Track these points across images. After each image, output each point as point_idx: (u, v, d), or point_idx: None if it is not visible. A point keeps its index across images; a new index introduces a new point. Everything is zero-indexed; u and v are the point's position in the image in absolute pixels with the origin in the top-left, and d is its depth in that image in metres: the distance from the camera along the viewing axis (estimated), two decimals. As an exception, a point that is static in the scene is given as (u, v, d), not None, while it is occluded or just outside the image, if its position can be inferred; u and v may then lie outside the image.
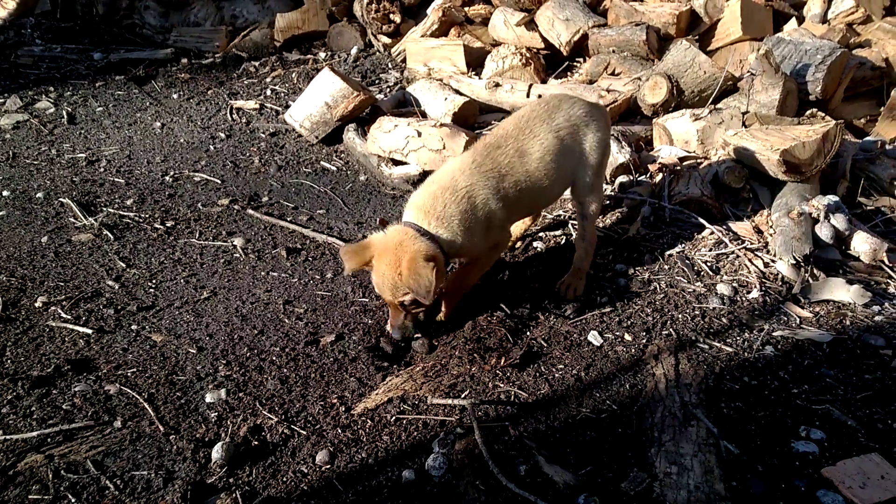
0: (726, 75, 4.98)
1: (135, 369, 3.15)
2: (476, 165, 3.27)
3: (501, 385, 3.00)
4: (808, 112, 4.81)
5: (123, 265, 4.02)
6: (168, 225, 4.50)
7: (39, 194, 4.83)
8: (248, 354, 3.27)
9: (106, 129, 6.05)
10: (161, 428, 2.79)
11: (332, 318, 3.57)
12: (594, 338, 3.30)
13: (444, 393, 2.96)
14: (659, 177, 4.49)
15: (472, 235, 3.20)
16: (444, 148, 4.94)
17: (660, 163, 4.58)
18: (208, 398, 2.96)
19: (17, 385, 3.00)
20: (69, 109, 6.35)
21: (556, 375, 3.07)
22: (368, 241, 3.18)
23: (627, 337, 3.30)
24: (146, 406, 2.90)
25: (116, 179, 5.13)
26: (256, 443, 2.72)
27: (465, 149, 4.89)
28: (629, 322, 3.42)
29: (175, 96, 6.74)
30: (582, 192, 3.62)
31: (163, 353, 3.27)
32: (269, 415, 2.86)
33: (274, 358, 3.24)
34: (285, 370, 3.16)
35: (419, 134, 5.02)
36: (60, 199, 4.74)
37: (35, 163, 5.38)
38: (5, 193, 4.83)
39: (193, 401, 2.96)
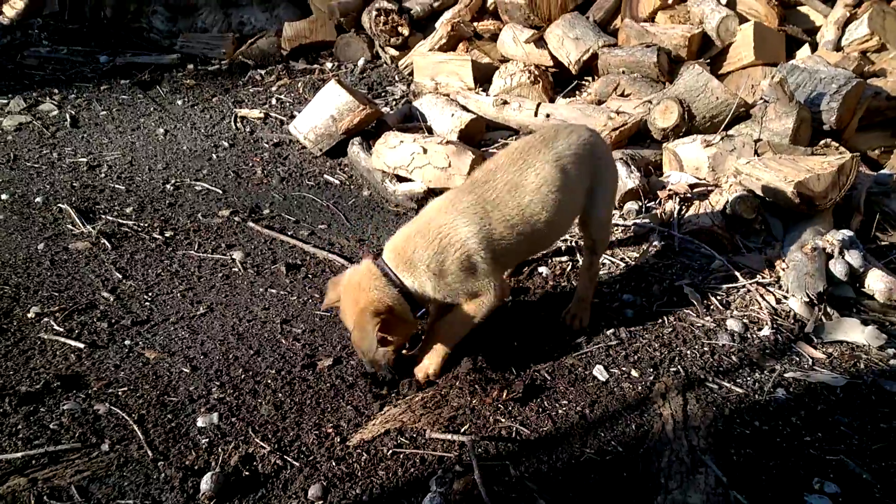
0: (739, 101, 4.90)
1: (126, 388, 3.05)
2: (453, 203, 3.01)
3: (503, 420, 2.90)
4: (822, 142, 4.73)
5: (120, 276, 3.93)
6: (167, 235, 4.41)
7: (38, 199, 4.75)
8: (242, 376, 3.18)
9: (109, 133, 5.98)
10: (150, 453, 2.69)
11: (331, 340, 3.47)
12: (599, 372, 3.20)
13: (443, 426, 2.86)
14: (668, 204, 4.40)
15: (443, 282, 2.96)
16: (449, 166, 4.85)
17: (670, 190, 4.49)
18: (200, 422, 2.86)
19: (5, 401, 2.90)
20: (73, 112, 6.28)
21: (560, 411, 2.97)
22: (343, 274, 3.10)
23: (634, 373, 3.21)
24: (135, 429, 2.80)
25: (117, 186, 5.05)
26: (247, 473, 2.62)
27: (469, 168, 4.82)
28: (636, 357, 3.32)
29: (179, 102, 6.67)
30: (595, 228, 3.43)
31: (155, 372, 3.17)
32: (261, 443, 2.76)
33: (269, 381, 3.15)
34: (280, 395, 3.06)
35: (425, 151, 4.94)
36: (59, 205, 4.66)
37: (36, 166, 5.30)
38: (4, 197, 4.75)
39: (184, 424, 2.86)
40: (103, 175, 5.23)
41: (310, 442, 2.79)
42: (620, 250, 4.23)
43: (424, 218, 3.07)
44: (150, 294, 3.79)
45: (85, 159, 5.45)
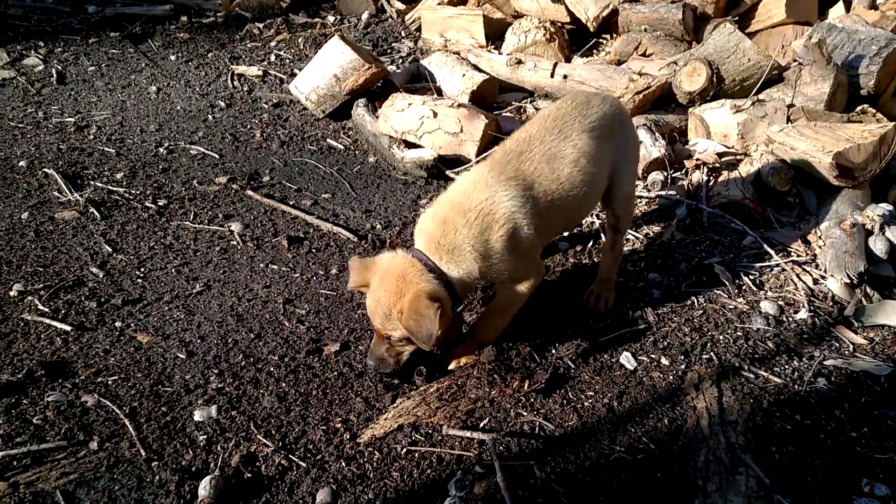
0: (773, 64, 4.56)
1: (116, 377, 2.83)
2: (494, 176, 2.74)
3: (525, 413, 2.68)
4: (859, 108, 4.41)
5: (109, 249, 3.67)
6: (160, 204, 4.14)
7: (22, 163, 4.46)
8: (243, 363, 2.95)
9: (98, 91, 5.64)
10: (143, 452, 2.47)
11: (337, 322, 3.23)
12: (627, 360, 2.97)
13: (460, 421, 2.64)
14: (696, 175, 4.11)
15: (488, 263, 2.70)
16: (461, 131, 4.55)
17: (697, 159, 4.20)
18: (197, 416, 2.64)
19: (-16, 392, 2.68)
20: (59, 67, 5.92)
21: (586, 404, 2.75)
22: (374, 260, 2.74)
23: (664, 361, 2.98)
24: (127, 423, 2.59)
25: (106, 149, 4.75)
26: (249, 475, 2.41)
27: (482, 133, 4.52)
28: (665, 343, 3.09)
29: (173, 58, 6.30)
30: (619, 204, 3.19)
31: (148, 358, 2.94)
32: (264, 440, 2.55)
33: (272, 368, 2.92)
34: (284, 384, 2.83)
35: (435, 114, 4.62)
36: (45, 170, 4.37)
37: (20, 126, 4.99)
38: (-15, 161, 4.46)
39: (180, 418, 2.64)
40: (92, 137, 4.92)
41: (317, 439, 2.57)
42: (645, 224, 3.97)
43: (460, 194, 2.75)
44: (142, 270, 3.54)
45: (72, 119, 5.13)
